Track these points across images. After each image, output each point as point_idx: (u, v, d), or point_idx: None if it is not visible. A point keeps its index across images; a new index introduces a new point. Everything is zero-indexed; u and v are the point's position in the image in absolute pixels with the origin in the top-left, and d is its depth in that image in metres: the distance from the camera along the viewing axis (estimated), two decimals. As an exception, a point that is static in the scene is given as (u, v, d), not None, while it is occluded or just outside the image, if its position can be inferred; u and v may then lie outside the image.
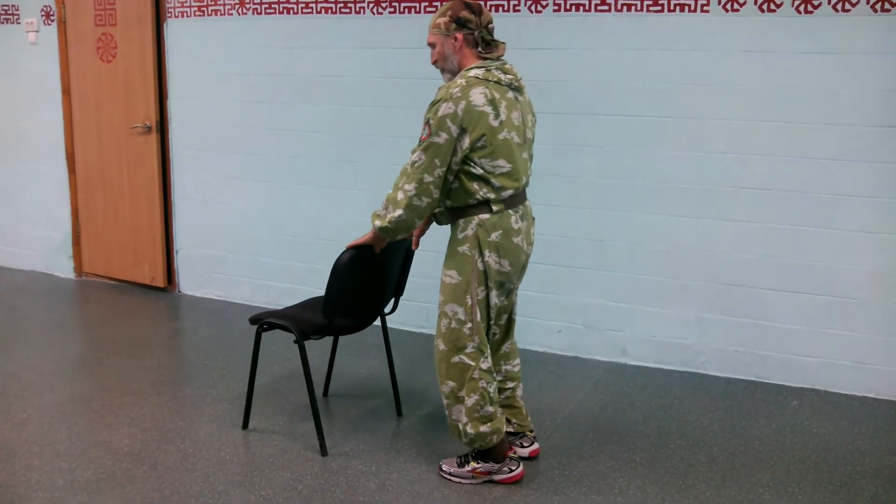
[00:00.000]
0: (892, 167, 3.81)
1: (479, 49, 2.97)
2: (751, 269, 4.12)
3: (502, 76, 2.93)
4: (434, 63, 3.04)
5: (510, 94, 2.95)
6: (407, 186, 2.90)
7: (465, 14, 2.93)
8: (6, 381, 4.10)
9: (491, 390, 3.05)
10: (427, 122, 2.88)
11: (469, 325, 3.01)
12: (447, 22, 2.94)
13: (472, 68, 2.93)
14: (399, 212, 2.93)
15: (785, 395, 4.03)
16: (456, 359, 3.04)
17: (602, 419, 3.75)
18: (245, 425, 3.55)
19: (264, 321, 3.42)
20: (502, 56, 3.00)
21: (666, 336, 4.34)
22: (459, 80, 2.88)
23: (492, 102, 2.86)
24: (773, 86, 3.93)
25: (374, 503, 3.01)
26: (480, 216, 2.95)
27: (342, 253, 3.17)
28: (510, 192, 2.97)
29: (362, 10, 4.71)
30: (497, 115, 2.88)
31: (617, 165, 4.27)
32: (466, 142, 2.86)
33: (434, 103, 2.87)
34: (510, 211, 2.99)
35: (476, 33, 2.95)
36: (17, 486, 3.10)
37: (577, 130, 4.31)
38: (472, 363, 3.03)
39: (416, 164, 2.89)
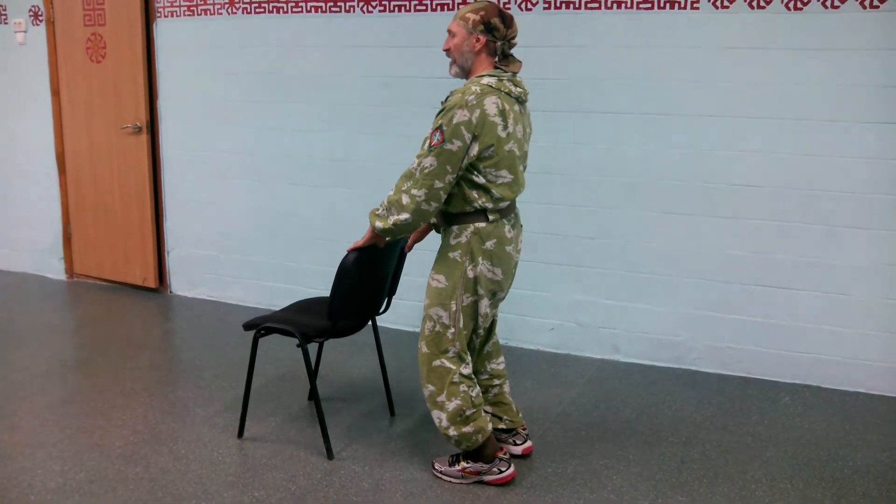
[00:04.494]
0: (883, 163, 3.82)
1: (496, 59, 2.96)
2: (742, 265, 4.13)
3: (513, 88, 2.93)
4: (446, 50, 3.00)
5: (517, 107, 2.96)
6: (415, 191, 2.88)
7: (495, 21, 2.91)
8: (-3, 384, 4.09)
9: (473, 394, 3.06)
10: (440, 128, 2.84)
11: (452, 329, 3.02)
12: (476, 21, 2.91)
13: (484, 75, 2.92)
14: (406, 215, 2.92)
15: (777, 391, 4.05)
16: (437, 362, 3.05)
17: (595, 416, 3.75)
18: (241, 434, 3.53)
19: (262, 326, 3.40)
20: (516, 73, 2.99)
21: (658, 333, 4.35)
22: (474, 88, 2.86)
23: (502, 113, 2.86)
24: (764, 82, 3.94)
25: (367, 503, 3.01)
26: (476, 224, 2.96)
27: (347, 255, 3.16)
28: (507, 202, 2.98)
29: (352, 8, 4.70)
30: (505, 127, 2.88)
31: (608, 162, 4.28)
32: (475, 149, 2.85)
33: (448, 109, 2.85)
34: (504, 220, 3.00)
35: (498, 43, 2.94)
36: (8, 490, 3.08)
37: (569, 127, 4.32)
38: (453, 367, 3.04)
39: (426, 170, 2.86)
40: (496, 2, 4.30)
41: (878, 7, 3.68)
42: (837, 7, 3.74)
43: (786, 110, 3.93)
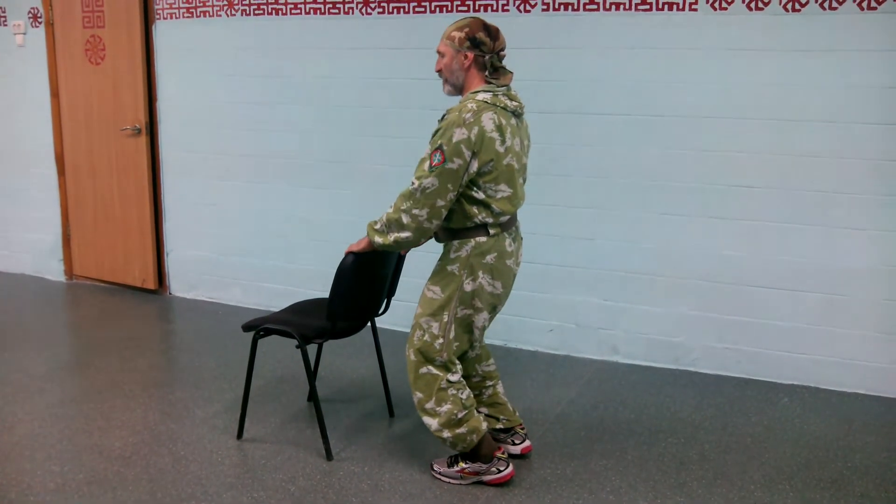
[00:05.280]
0: (880, 164, 3.83)
1: (487, 73, 2.97)
2: (741, 266, 4.13)
3: (508, 102, 2.94)
4: (438, 71, 3.03)
5: (513, 121, 2.96)
6: (416, 211, 2.89)
7: (481, 35, 2.92)
8: (-4, 385, 4.10)
9: (463, 397, 3.07)
10: (440, 148, 2.84)
11: (440, 340, 3.03)
12: (461, 38, 2.92)
13: (479, 91, 2.93)
14: (407, 234, 2.93)
15: (776, 392, 4.05)
16: (424, 370, 3.06)
17: (594, 418, 3.76)
18: (240, 434, 3.53)
19: (261, 327, 3.40)
20: (508, 85, 3.00)
21: (657, 334, 4.35)
22: (470, 105, 2.86)
23: (499, 128, 2.87)
24: (762, 83, 3.95)
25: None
26: (477, 239, 2.96)
27: (346, 256, 3.17)
28: (508, 216, 2.99)
29: (351, 10, 4.70)
30: (503, 141, 2.89)
31: (607, 164, 4.28)
32: (475, 166, 2.86)
33: (446, 129, 2.85)
34: (505, 234, 3.01)
35: (487, 57, 2.94)
36: (7, 490, 3.09)
37: (567, 129, 4.32)
38: (440, 374, 3.05)
39: (427, 190, 2.86)
40: (507, 3, 4.33)
41: (875, 8, 3.69)
42: (835, 8, 3.75)
43: (784, 111, 3.93)
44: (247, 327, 3.45)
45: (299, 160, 5.04)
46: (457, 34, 2.93)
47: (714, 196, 4.12)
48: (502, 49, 2.97)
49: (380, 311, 3.60)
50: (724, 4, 3.92)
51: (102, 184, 5.70)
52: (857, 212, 3.90)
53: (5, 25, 5.83)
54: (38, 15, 5.69)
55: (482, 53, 2.93)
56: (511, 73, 3.01)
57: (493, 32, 2.95)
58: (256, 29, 5.00)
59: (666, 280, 4.28)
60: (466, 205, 2.93)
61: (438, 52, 3.00)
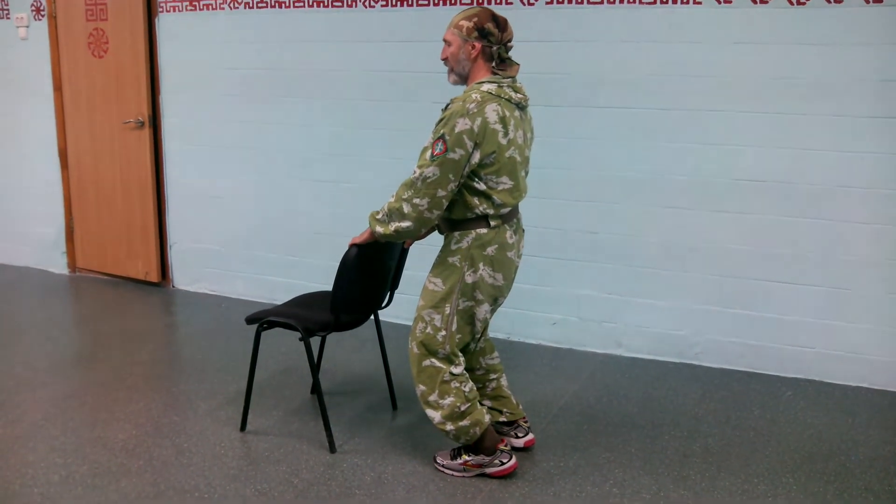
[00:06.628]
0: (885, 157, 3.82)
1: (493, 64, 2.96)
2: (745, 260, 4.12)
3: (513, 94, 2.93)
4: (444, 60, 3.01)
5: (517, 113, 2.95)
6: (417, 200, 2.89)
7: (489, 26, 2.91)
8: (0, 378, 4.09)
9: (466, 389, 3.06)
10: (442, 138, 2.84)
11: (443, 332, 3.02)
12: (470, 28, 2.91)
13: (484, 82, 2.92)
14: (407, 223, 2.93)
15: (779, 385, 4.04)
16: (427, 362, 3.06)
17: (597, 411, 3.76)
18: (243, 427, 3.54)
19: (265, 320, 3.40)
20: (514, 77, 2.99)
21: (660, 327, 4.35)
22: (474, 95, 2.86)
23: (502, 120, 2.86)
24: (766, 77, 3.93)
25: (370, 496, 3.02)
26: (478, 230, 2.96)
27: (349, 249, 3.17)
28: (509, 208, 2.98)
29: (354, 3, 4.69)
30: (506, 133, 2.88)
31: (610, 157, 4.27)
32: (477, 157, 2.85)
33: (449, 118, 2.84)
34: (506, 226, 3.00)
35: (494, 48, 2.93)
36: (11, 482, 3.09)
37: (571, 123, 4.31)
38: (443, 367, 3.05)
39: (428, 180, 2.86)
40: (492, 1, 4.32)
41: (881, 1, 3.67)
42: (840, 1, 3.73)
43: (788, 105, 3.92)
44: (250, 320, 3.45)
45: (302, 153, 5.04)
46: (465, 23, 2.92)
47: (717, 190, 4.11)
48: (510, 40, 2.96)
49: (383, 304, 3.60)
50: (728, -3, 3.91)
51: (105, 177, 5.70)
52: (861, 205, 3.89)
53: (8, 18, 5.82)
54: (41, 8, 5.68)
55: (490, 44, 2.92)
56: (517, 64, 3.01)
57: (501, 23, 2.94)
58: (259, 22, 4.99)
59: (669, 273, 4.28)
60: (468, 196, 2.93)
61: (445, 41, 2.99)
